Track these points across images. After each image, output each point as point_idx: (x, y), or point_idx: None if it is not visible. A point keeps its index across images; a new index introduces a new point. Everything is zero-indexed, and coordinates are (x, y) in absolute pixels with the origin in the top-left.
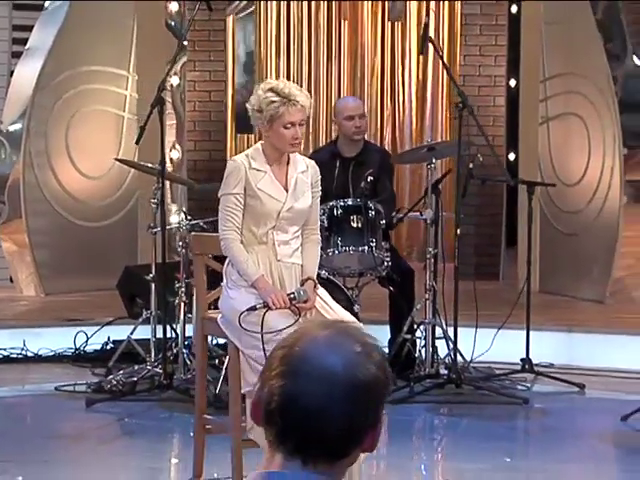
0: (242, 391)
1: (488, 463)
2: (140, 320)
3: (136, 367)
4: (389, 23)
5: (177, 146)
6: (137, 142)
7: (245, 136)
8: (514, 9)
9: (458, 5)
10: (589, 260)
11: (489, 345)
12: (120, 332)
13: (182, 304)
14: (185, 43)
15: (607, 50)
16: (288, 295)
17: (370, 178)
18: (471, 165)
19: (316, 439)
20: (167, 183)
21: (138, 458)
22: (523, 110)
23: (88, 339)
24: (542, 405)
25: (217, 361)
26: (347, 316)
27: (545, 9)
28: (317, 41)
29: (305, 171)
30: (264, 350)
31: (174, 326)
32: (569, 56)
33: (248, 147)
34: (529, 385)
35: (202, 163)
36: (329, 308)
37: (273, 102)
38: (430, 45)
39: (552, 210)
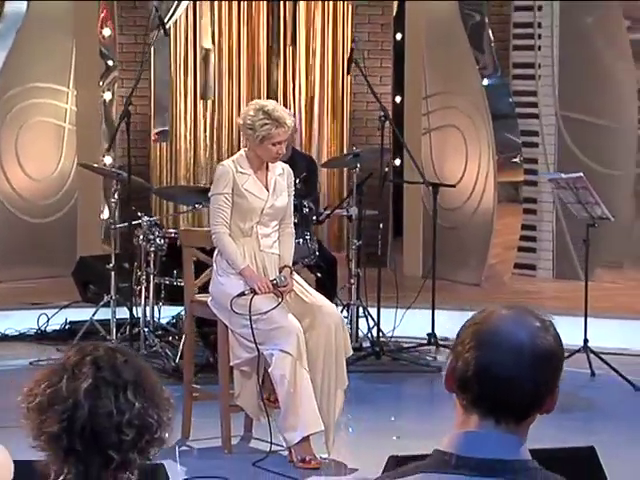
0: (230, 364)
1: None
2: (101, 303)
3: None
4: (282, 47)
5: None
6: (108, 149)
7: (158, 144)
8: (399, 36)
9: (348, 32)
10: (467, 250)
11: (397, 323)
12: (75, 314)
13: (143, 289)
14: (110, 62)
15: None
16: (271, 281)
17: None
18: (386, 169)
19: (507, 402)
20: (102, 180)
21: None
22: (407, 122)
23: (49, 320)
24: None
25: (171, 338)
26: (321, 298)
27: (426, 36)
28: (220, 63)
29: (281, 174)
30: (252, 328)
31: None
32: (447, 76)
33: (160, 154)
34: (435, 356)
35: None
36: (306, 291)
37: (266, 124)
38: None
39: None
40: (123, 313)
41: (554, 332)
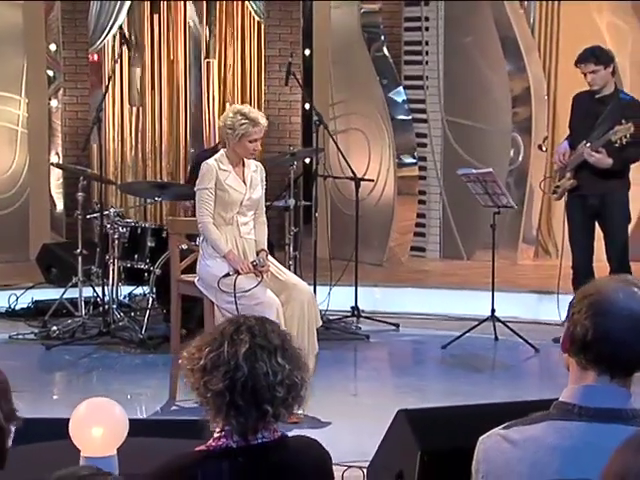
0: None
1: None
2: (70, 284)
3: (77, 319)
4: (198, 62)
5: (56, 153)
6: (83, 150)
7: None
8: (307, 52)
9: (255, 49)
10: (370, 235)
11: (328, 298)
12: (39, 294)
13: (110, 271)
14: (52, 74)
15: (380, 80)
16: (251, 263)
17: None
18: (316, 166)
19: (622, 361)
20: (54, 179)
21: (115, 385)
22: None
23: (18, 299)
24: (378, 340)
25: (133, 314)
26: (294, 276)
27: (332, 51)
28: (143, 76)
29: (255, 170)
30: (236, 304)
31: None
32: (351, 86)
33: (89, 154)
34: (359, 326)
35: None
36: (280, 271)
37: (244, 124)
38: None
39: (339, 197)
40: (85, 293)
41: None
